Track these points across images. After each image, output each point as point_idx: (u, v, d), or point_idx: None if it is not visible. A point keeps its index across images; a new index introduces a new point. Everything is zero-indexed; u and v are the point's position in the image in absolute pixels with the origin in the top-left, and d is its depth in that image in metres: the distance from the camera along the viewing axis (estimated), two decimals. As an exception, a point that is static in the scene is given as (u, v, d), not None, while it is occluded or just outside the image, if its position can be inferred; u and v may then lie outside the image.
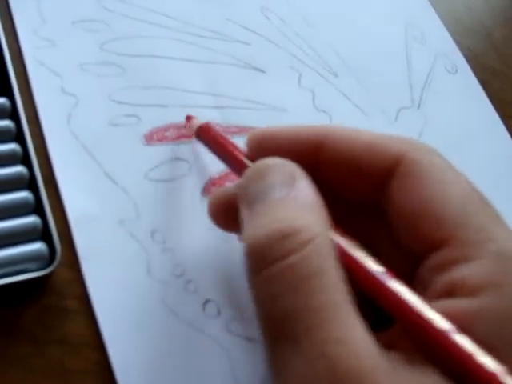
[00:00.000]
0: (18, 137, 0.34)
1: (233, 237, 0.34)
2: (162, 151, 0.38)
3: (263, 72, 0.43)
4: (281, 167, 0.26)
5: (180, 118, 0.39)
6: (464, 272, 0.24)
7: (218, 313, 0.34)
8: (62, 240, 0.33)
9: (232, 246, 0.35)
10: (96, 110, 0.37)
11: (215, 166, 0.38)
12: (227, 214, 0.31)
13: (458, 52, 0.52)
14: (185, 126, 0.38)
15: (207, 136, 0.35)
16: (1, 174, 0.33)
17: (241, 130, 0.40)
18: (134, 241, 0.34)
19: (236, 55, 0.43)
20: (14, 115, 0.35)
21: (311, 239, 0.23)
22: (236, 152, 0.32)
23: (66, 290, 0.33)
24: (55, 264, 0.32)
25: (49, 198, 0.33)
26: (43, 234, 0.32)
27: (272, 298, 0.22)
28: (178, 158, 0.38)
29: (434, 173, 0.26)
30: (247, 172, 0.26)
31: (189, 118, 0.37)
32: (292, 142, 0.29)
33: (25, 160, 0.34)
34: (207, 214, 0.32)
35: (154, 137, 0.38)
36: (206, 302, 0.34)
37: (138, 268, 0.34)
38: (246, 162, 0.30)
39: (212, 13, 0.45)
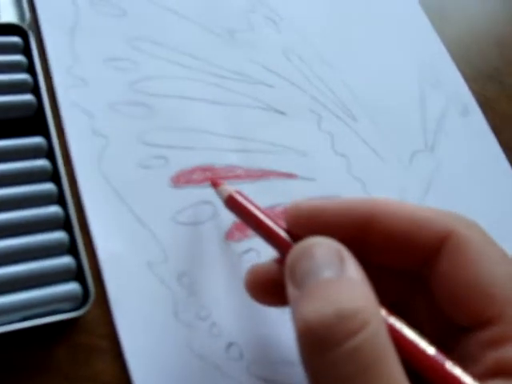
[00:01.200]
0: (54, 176, 0.35)
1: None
2: (188, 194, 0.39)
3: (284, 114, 0.45)
4: (328, 246, 0.26)
5: (205, 161, 0.40)
6: None
7: (241, 356, 0.35)
8: (93, 279, 0.34)
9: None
10: (125, 151, 0.38)
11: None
12: (266, 290, 0.31)
13: (471, 96, 0.53)
14: (210, 170, 0.39)
15: (238, 207, 0.34)
16: (37, 214, 0.34)
17: (263, 174, 0.41)
18: (161, 283, 0.35)
19: (258, 97, 0.44)
20: (49, 155, 0.36)
21: (369, 321, 0.23)
22: (274, 227, 0.31)
23: (97, 329, 0.34)
24: (89, 305, 0.33)
25: (83, 239, 0.34)
26: (77, 274, 0.33)
27: (341, 381, 0.23)
28: (203, 201, 0.39)
29: (481, 250, 0.27)
30: (294, 251, 0.27)
31: (214, 183, 0.37)
32: (335, 218, 0.29)
33: (59, 200, 0.35)
34: (245, 288, 0.33)
35: (180, 179, 0.39)
36: (230, 345, 0.35)
37: (165, 310, 0.35)
38: (287, 238, 0.30)
39: (235, 54, 0.46)
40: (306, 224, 0.30)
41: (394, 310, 0.27)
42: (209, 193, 0.39)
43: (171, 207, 0.38)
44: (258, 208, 0.33)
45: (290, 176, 0.42)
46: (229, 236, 0.38)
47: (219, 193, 0.35)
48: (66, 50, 0.40)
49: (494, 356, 0.24)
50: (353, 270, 0.25)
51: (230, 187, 0.35)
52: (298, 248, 0.27)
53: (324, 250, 0.26)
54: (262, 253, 0.38)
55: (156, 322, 0.34)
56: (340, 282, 0.25)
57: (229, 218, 0.38)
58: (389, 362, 0.23)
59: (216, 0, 0.48)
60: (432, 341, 0.25)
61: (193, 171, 0.39)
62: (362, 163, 0.45)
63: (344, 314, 0.23)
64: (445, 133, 0.50)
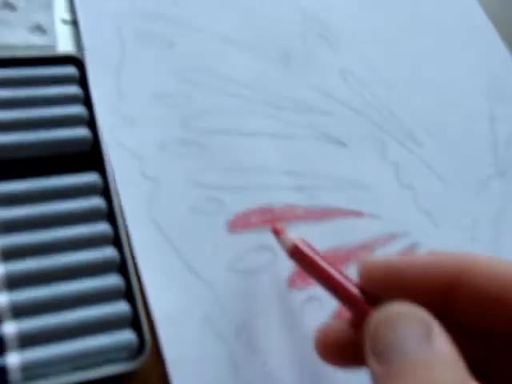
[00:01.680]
0: (109, 215, 0.34)
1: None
2: (246, 239, 0.36)
3: (344, 145, 0.42)
4: (415, 317, 0.23)
5: (263, 201, 0.37)
6: None
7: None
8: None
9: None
10: (177, 194, 0.36)
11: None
12: (336, 351, 0.29)
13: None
14: (269, 212, 0.36)
15: (304, 259, 0.31)
16: (92, 257, 0.32)
17: (326, 213, 0.38)
18: (219, 338, 0.33)
19: (317, 127, 0.41)
20: (105, 192, 0.34)
21: None
22: (347, 284, 0.28)
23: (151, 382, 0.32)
24: (144, 356, 0.31)
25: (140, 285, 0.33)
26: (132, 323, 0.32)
27: None
28: (262, 246, 0.36)
29: None
30: (376, 319, 0.24)
31: (276, 232, 0.34)
32: (417, 278, 0.26)
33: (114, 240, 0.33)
34: (314, 349, 0.30)
35: (237, 223, 0.36)
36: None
37: (225, 367, 0.32)
38: (363, 300, 0.28)
39: (290, 78, 0.43)
40: (382, 283, 0.27)
41: (479, 373, 0.24)
42: (268, 237, 0.36)
43: (228, 255, 0.35)
44: (325, 259, 0.30)
45: (356, 214, 0.39)
46: (291, 284, 0.35)
47: (282, 243, 0.33)
48: (111, 87, 0.38)
49: None
50: (442, 344, 0.23)
51: (293, 235, 0.32)
52: (381, 316, 0.24)
53: (410, 320, 0.23)
54: (324, 301, 0.35)
55: (216, 380, 0.32)
56: (429, 359, 0.22)
57: (289, 264, 0.36)
58: None
59: (268, 21, 0.45)
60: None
61: (250, 214, 0.37)
62: (429, 193, 0.42)
63: None
64: (517, 154, 0.47)
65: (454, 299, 0.26)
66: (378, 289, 0.27)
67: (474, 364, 0.24)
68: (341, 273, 0.29)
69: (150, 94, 0.39)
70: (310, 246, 0.31)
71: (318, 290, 0.34)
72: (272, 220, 0.37)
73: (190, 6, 0.43)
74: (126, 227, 0.34)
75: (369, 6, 0.49)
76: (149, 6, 0.42)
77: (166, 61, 0.40)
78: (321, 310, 0.35)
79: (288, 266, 0.36)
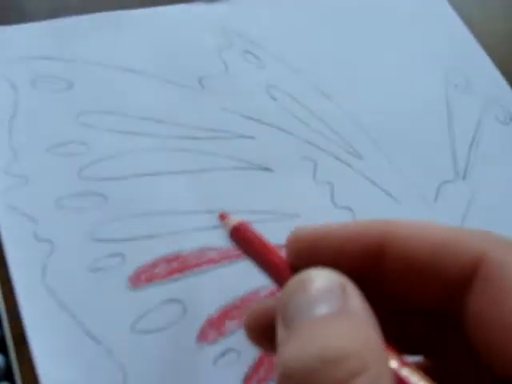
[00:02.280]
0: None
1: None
2: (150, 294, 0.33)
3: (270, 171, 0.38)
4: (327, 279, 0.21)
5: (171, 249, 0.34)
6: None
7: None
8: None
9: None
10: (74, 255, 0.33)
11: (214, 301, 0.33)
12: (266, 332, 0.26)
13: (512, 98, 0.44)
14: (176, 260, 0.33)
15: (243, 238, 0.29)
16: None
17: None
18: (121, 413, 0.30)
19: (236, 155, 0.38)
20: None
21: (364, 368, 0.18)
22: (277, 258, 0.26)
23: None
24: None
25: (21, 364, 0.30)
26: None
27: None
28: (170, 300, 0.33)
29: None
30: (288, 285, 0.22)
31: (222, 217, 0.32)
32: (343, 246, 0.24)
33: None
34: (244, 330, 0.27)
35: (141, 277, 0.33)
36: None
37: None
38: (288, 270, 0.25)
39: (206, 104, 0.39)
40: (308, 254, 0.24)
41: (424, 360, 0.23)
42: (176, 288, 0.33)
43: (130, 314, 0.32)
44: (264, 241, 0.28)
45: (281, 248, 0.35)
46: (202, 337, 0.32)
47: (224, 226, 0.30)
48: (4, 147, 0.36)
49: None
50: (355, 305, 0.20)
51: (237, 218, 0.30)
52: (293, 282, 0.22)
53: (322, 283, 0.21)
54: (244, 352, 0.32)
55: None
56: (335, 319, 0.20)
57: (200, 315, 0.33)
58: None
59: (179, 44, 0.42)
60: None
61: (155, 265, 0.34)
62: (372, 211, 0.38)
63: (330, 358, 0.18)
64: (482, 151, 0.42)
65: (383, 272, 0.23)
66: (304, 261, 0.24)
67: (412, 340, 0.24)
68: (277, 252, 0.26)
69: (45, 146, 0.36)
70: (252, 230, 0.29)
71: (234, 341, 0.32)
72: (180, 269, 0.33)
73: (91, 42, 0.40)
74: (7, 303, 0.31)
75: (294, 11, 0.45)
76: (45, 48, 0.39)
77: (64, 105, 0.38)
78: (238, 361, 0.32)
79: (200, 317, 0.33)
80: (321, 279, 0.21)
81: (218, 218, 0.32)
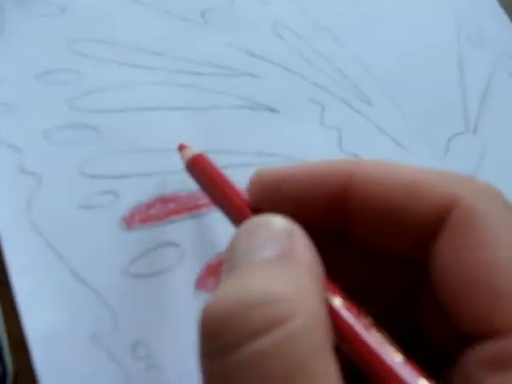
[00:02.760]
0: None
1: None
2: (145, 236, 0.31)
3: (276, 112, 0.35)
4: (275, 225, 0.20)
5: (168, 189, 0.32)
6: None
7: None
8: (18, 360, 0.27)
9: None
10: (63, 190, 0.31)
11: (214, 246, 0.30)
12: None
13: (525, 51, 0.42)
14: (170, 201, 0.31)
15: (200, 171, 0.28)
16: None
17: (247, 195, 0.32)
18: (110, 361, 0.28)
19: (241, 93, 0.35)
20: None
21: (288, 317, 0.16)
22: (234, 197, 0.25)
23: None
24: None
25: (3, 306, 0.28)
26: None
27: None
28: (166, 243, 0.30)
29: (496, 227, 0.19)
30: (237, 232, 0.20)
31: (181, 148, 0.30)
32: (306, 189, 0.22)
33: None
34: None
35: (135, 218, 0.31)
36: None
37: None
38: (244, 212, 0.24)
39: (210, 39, 0.37)
40: (270, 197, 0.23)
41: (395, 311, 0.22)
42: (173, 231, 0.30)
43: (123, 257, 0.30)
44: (222, 176, 0.27)
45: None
46: (200, 285, 0.30)
47: (182, 156, 0.29)
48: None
49: (495, 381, 0.17)
50: (298, 252, 0.19)
51: (196, 150, 0.29)
52: (242, 226, 0.20)
53: (269, 230, 0.20)
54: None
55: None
56: (272, 264, 0.18)
57: (199, 260, 0.30)
58: (315, 376, 0.16)
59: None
60: (436, 352, 0.20)
61: (151, 205, 0.31)
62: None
63: (251, 303, 0.16)
64: (493, 105, 0.40)
65: (349, 216, 0.22)
66: (267, 203, 0.23)
67: (382, 291, 0.22)
68: (236, 190, 0.25)
69: (33, 72, 0.33)
70: (210, 163, 0.28)
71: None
72: (177, 210, 0.31)
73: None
74: None
75: None
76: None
77: (55, 30, 0.35)
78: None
79: (197, 263, 0.30)
80: (269, 225, 0.20)
81: (177, 148, 0.30)
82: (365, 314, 0.19)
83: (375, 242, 0.22)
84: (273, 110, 0.35)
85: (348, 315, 0.19)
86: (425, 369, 0.18)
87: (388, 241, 0.21)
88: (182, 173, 0.32)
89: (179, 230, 0.31)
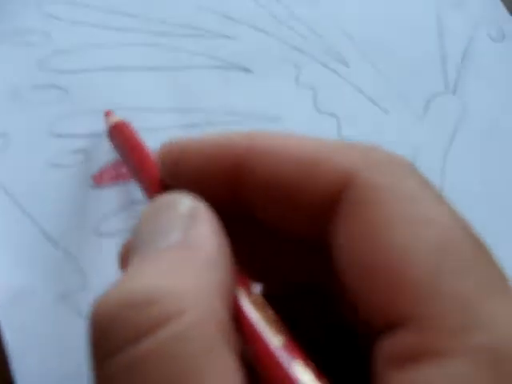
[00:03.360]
0: None
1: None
2: (116, 194, 0.30)
3: (249, 71, 0.35)
4: (180, 206, 0.18)
5: (140, 147, 0.31)
6: (431, 376, 0.15)
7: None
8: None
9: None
10: (32, 149, 0.30)
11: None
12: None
13: (506, 13, 0.42)
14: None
15: (119, 139, 0.27)
16: None
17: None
18: (80, 319, 0.27)
19: (215, 54, 0.35)
20: None
21: (181, 312, 0.15)
22: (148, 172, 0.24)
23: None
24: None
25: None
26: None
27: None
28: (136, 201, 0.30)
29: (399, 205, 0.17)
30: (143, 211, 0.19)
31: (107, 114, 0.30)
32: (205, 163, 0.20)
33: None
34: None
35: (105, 176, 0.30)
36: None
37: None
38: (156, 186, 0.22)
39: (183, 0, 0.36)
40: (176, 171, 0.21)
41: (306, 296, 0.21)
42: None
43: (93, 215, 0.29)
44: (140, 146, 0.26)
45: (254, 152, 0.32)
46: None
47: (105, 122, 0.29)
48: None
49: (399, 380, 0.15)
50: (200, 238, 0.17)
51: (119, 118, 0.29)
52: (147, 208, 0.19)
53: (173, 212, 0.18)
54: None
55: (72, 374, 0.26)
56: (169, 253, 0.17)
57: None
58: (208, 375, 0.14)
59: None
60: (346, 344, 0.19)
61: (121, 163, 0.30)
62: (358, 120, 0.35)
63: (134, 302, 0.15)
64: (473, 66, 0.39)
65: (247, 193, 0.20)
66: (174, 177, 0.21)
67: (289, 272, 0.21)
68: (151, 162, 0.24)
69: (2, 33, 0.32)
70: (130, 131, 0.27)
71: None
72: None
73: None
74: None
75: None
76: None
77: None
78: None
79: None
80: (173, 207, 0.18)
81: (104, 114, 0.30)
82: (260, 300, 0.18)
83: (276, 221, 0.20)
84: (246, 70, 0.35)
85: (249, 309, 0.17)
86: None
87: (288, 220, 0.20)
88: (153, 132, 0.32)
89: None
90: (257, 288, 0.19)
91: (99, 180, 0.30)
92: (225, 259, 0.17)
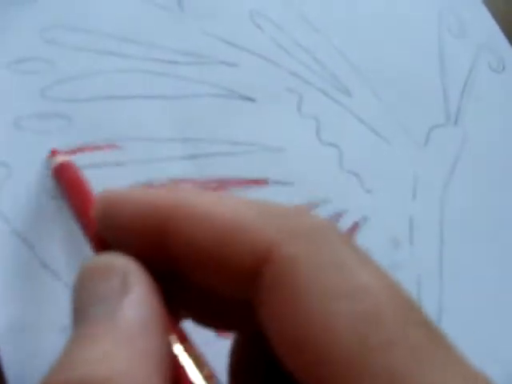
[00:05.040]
0: None
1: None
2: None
3: (252, 100, 0.35)
4: (111, 273, 0.18)
5: (141, 177, 0.31)
6: None
7: None
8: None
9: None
10: (34, 180, 0.30)
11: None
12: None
13: (507, 44, 0.42)
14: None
15: (64, 180, 0.27)
16: None
17: (219, 186, 0.32)
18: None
19: (217, 82, 0.35)
20: None
21: None
22: (87, 223, 0.24)
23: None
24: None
25: None
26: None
27: None
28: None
29: (318, 274, 0.16)
30: (78, 276, 0.18)
31: (53, 153, 0.30)
32: (133, 221, 0.20)
33: None
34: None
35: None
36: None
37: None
38: (96, 244, 0.22)
39: (185, 27, 0.36)
40: (112, 224, 0.20)
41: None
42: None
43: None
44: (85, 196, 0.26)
45: (256, 183, 0.32)
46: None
47: (49, 162, 0.29)
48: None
49: None
50: (132, 308, 0.17)
51: (65, 157, 0.29)
52: (80, 274, 0.18)
53: (104, 277, 0.18)
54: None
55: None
56: (104, 331, 0.16)
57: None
58: None
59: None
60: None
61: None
62: (360, 151, 0.35)
63: None
64: (474, 97, 0.39)
65: (173, 255, 0.19)
66: (108, 229, 0.20)
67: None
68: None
69: (5, 60, 0.32)
70: (77, 171, 0.27)
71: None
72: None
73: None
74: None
75: None
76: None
77: (27, 18, 0.34)
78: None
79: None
80: (102, 275, 0.18)
81: (49, 153, 0.30)
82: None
83: (202, 280, 0.19)
84: (249, 99, 0.35)
85: (190, 368, 0.17)
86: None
87: (212, 281, 0.19)
88: (155, 162, 0.32)
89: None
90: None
91: (101, 211, 0.30)
92: (157, 327, 0.17)
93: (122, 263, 0.18)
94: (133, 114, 0.33)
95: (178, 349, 0.17)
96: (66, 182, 0.28)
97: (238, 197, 0.19)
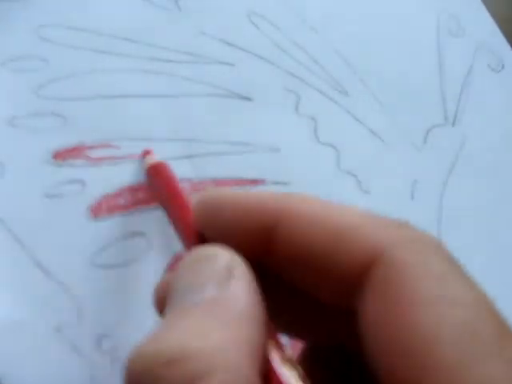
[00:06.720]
0: None
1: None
2: (113, 226, 0.30)
3: (249, 100, 0.35)
4: (216, 261, 0.19)
5: (137, 178, 0.31)
6: None
7: None
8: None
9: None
10: (28, 178, 0.30)
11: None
12: None
13: (506, 44, 0.42)
14: (139, 189, 0.30)
15: (157, 182, 0.28)
16: None
17: (219, 185, 0.32)
18: (74, 353, 0.27)
19: (214, 81, 0.35)
20: None
21: (210, 372, 0.15)
22: (184, 221, 0.24)
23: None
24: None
25: None
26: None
27: None
28: (133, 233, 0.30)
29: (426, 283, 0.17)
30: (182, 261, 0.19)
31: (146, 153, 0.30)
32: (240, 219, 0.20)
33: None
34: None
35: (102, 207, 0.30)
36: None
37: (81, 387, 0.26)
38: (192, 235, 0.22)
39: (182, 26, 0.36)
40: (213, 222, 0.21)
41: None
42: (141, 221, 0.30)
43: (89, 246, 0.29)
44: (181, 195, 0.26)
45: (253, 183, 0.32)
46: (169, 270, 0.29)
47: (143, 163, 0.30)
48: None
49: None
50: (235, 294, 0.18)
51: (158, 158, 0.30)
52: (184, 262, 0.19)
53: (211, 264, 0.19)
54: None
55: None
56: (201, 311, 0.17)
57: (167, 251, 0.29)
58: None
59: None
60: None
61: (119, 194, 0.30)
62: (357, 151, 0.35)
63: (163, 361, 0.15)
64: (473, 97, 0.39)
65: (277, 256, 0.20)
66: (211, 228, 0.21)
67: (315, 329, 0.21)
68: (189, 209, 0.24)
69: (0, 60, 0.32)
70: (169, 173, 0.28)
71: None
72: (146, 200, 0.30)
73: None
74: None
75: None
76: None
77: (22, 16, 0.33)
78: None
79: (165, 254, 0.29)
80: (209, 261, 0.19)
81: (141, 153, 0.30)
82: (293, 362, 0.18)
83: (303, 283, 0.20)
84: (246, 99, 0.35)
85: (280, 367, 0.17)
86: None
87: (314, 285, 0.20)
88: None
89: (147, 220, 0.30)
90: (288, 344, 0.19)
91: (97, 211, 0.30)
92: (258, 316, 0.17)
93: (227, 252, 0.19)
94: (129, 113, 0.32)
95: (272, 344, 0.18)
96: (162, 180, 0.28)
97: (340, 203, 0.20)
